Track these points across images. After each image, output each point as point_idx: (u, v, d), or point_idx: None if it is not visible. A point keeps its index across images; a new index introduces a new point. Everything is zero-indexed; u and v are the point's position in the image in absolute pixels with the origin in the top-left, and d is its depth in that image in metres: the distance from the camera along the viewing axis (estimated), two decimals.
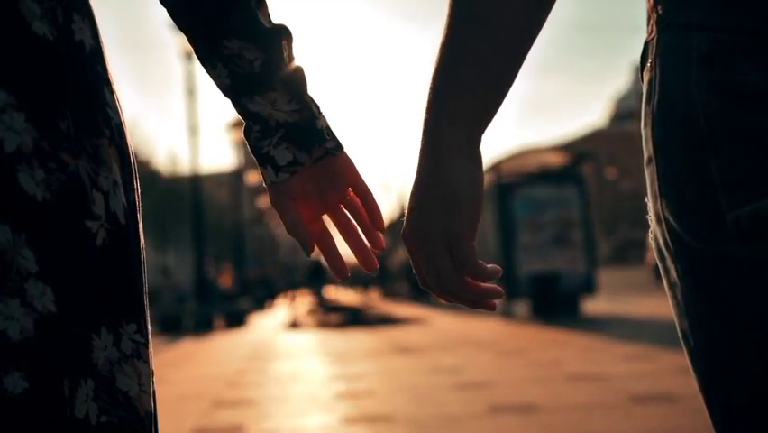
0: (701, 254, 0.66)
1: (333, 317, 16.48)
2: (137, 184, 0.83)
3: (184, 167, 33.57)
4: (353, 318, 15.60)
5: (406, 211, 0.76)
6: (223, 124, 29.60)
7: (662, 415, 4.47)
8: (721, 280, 0.64)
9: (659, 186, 0.68)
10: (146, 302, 0.82)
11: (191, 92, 19.22)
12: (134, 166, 0.82)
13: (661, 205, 0.68)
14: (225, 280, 24.10)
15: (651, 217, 0.72)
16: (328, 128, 0.87)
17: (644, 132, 0.70)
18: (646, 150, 0.70)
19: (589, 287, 13.22)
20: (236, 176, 32.12)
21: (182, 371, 8.56)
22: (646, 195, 0.71)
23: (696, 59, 0.65)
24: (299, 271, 39.22)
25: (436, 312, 17.14)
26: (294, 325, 15.77)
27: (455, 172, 0.72)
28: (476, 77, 0.71)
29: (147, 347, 0.80)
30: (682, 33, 0.66)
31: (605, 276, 18.50)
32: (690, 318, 0.69)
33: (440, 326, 13.15)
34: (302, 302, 22.57)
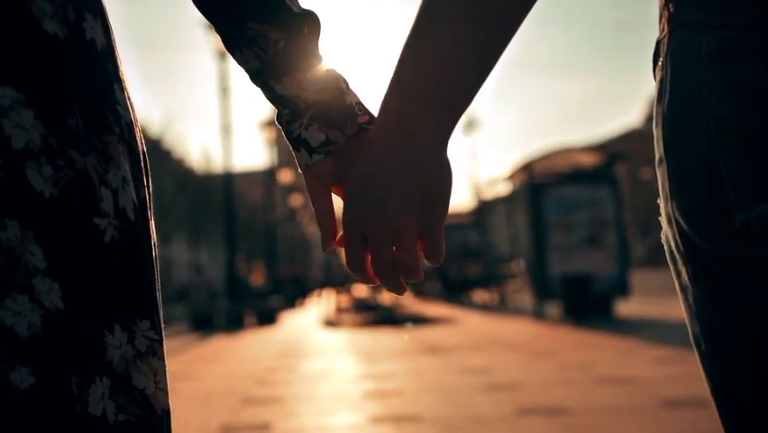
0: (711, 256, 0.64)
1: (364, 316, 16.49)
2: (148, 181, 0.83)
3: (217, 165, 33.88)
4: (384, 317, 15.61)
5: (353, 197, 0.74)
6: (256, 122, 29.77)
7: (692, 420, 4.40)
8: (731, 282, 0.63)
9: (669, 187, 0.67)
10: (159, 298, 0.82)
11: (224, 91, 19.39)
12: (144, 163, 0.82)
13: (671, 206, 0.67)
14: (257, 278, 24.27)
15: (662, 219, 0.70)
16: (359, 103, 0.84)
17: (656, 132, 0.69)
18: (657, 150, 0.68)
19: (622, 288, 13.08)
20: (269, 175, 32.33)
21: (212, 368, 8.63)
22: (658, 196, 0.70)
23: (706, 58, 0.63)
24: (335, 270, 39.27)
25: (467, 312, 17.09)
26: (325, 323, 15.83)
27: (435, 168, 0.72)
28: (468, 72, 0.70)
29: (161, 344, 0.80)
30: (693, 31, 0.64)
31: (639, 278, 18.28)
32: (701, 322, 0.67)
33: (470, 326, 13.10)
34: (333, 301, 22.64)
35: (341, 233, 0.81)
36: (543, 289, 13.13)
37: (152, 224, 0.83)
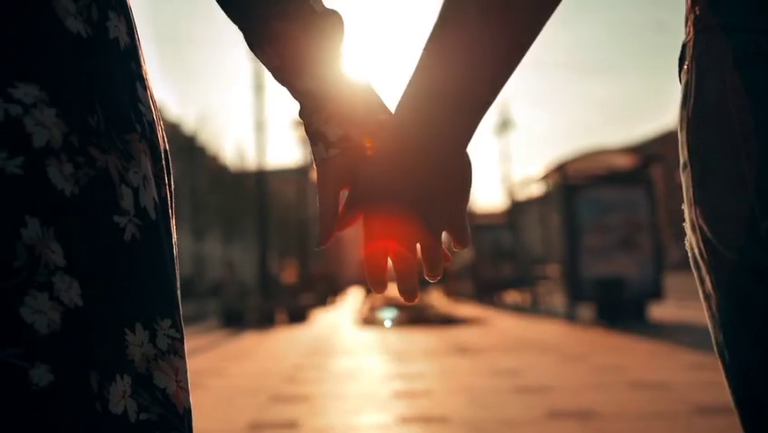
0: (735, 264, 0.62)
1: (395, 315, 16.48)
2: (170, 180, 0.83)
3: (251, 163, 34.13)
4: (415, 317, 15.59)
5: (378, 197, 0.74)
6: (290, 120, 29.92)
7: (725, 428, 4.32)
8: (755, 291, 0.61)
9: (693, 192, 0.65)
10: (179, 297, 0.82)
11: (259, 88, 19.52)
12: (166, 162, 0.83)
13: (695, 212, 0.65)
14: (289, 276, 24.38)
15: (686, 225, 0.68)
16: (380, 101, 0.84)
17: (680, 136, 0.67)
18: (682, 155, 0.67)
19: (656, 292, 12.91)
20: (302, 172, 32.47)
21: (242, 364, 8.69)
22: (682, 202, 0.68)
23: (731, 62, 0.61)
24: None
25: (498, 313, 17.00)
26: (355, 322, 15.85)
27: (461, 165, 0.72)
28: (493, 69, 0.69)
29: (182, 342, 0.80)
30: (719, 35, 0.63)
31: (673, 281, 18.03)
32: (725, 332, 0.65)
33: (501, 327, 13.03)
34: (365, 299, 22.67)
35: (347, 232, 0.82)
36: (575, 291, 13.01)
37: (173, 222, 0.84)
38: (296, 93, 0.86)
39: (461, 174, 0.72)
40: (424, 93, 0.71)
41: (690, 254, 0.69)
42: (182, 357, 0.79)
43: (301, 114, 0.86)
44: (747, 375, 0.64)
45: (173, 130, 36.01)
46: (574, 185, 13.42)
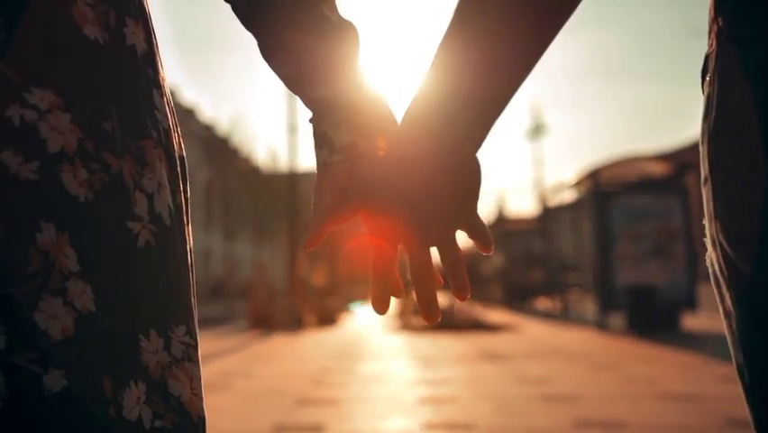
0: (755, 282, 0.60)
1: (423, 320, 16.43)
2: (185, 187, 0.83)
3: (283, 165, 34.30)
4: (444, 322, 15.54)
5: (391, 206, 0.73)
6: None
7: None
8: None
9: (713, 207, 0.63)
10: (194, 303, 0.81)
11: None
12: (182, 169, 0.83)
13: (715, 228, 0.63)
14: (318, 278, 24.45)
15: (707, 241, 0.67)
16: (390, 112, 0.84)
17: (702, 149, 0.65)
18: (703, 168, 0.65)
19: (689, 301, 12.73)
20: None
21: (269, 366, 8.73)
22: (704, 216, 0.67)
23: (753, 75, 0.59)
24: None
25: (528, 319, 16.88)
26: (384, 326, 15.84)
27: (473, 171, 0.71)
28: (507, 76, 0.68)
29: (197, 349, 0.80)
30: (741, 47, 0.61)
31: (708, 291, 17.69)
32: (744, 351, 0.63)
33: (531, 334, 12.94)
34: (394, 303, 22.63)
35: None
36: (607, 299, 12.88)
37: (189, 229, 0.84)
38: (308, 99, 0.86)
39: (470, 178, 0.71)
40: (434, 97, 0.70)
41: (710, 271, 0.68)
42: (196, 364, 0.79)
43: (311, 118, 0.86)
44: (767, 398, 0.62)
45: (207, 132, 36.33)
46: (607, 192, 13.29)
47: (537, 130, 33.14)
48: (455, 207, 0.71)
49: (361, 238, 0.81)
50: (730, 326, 0.65)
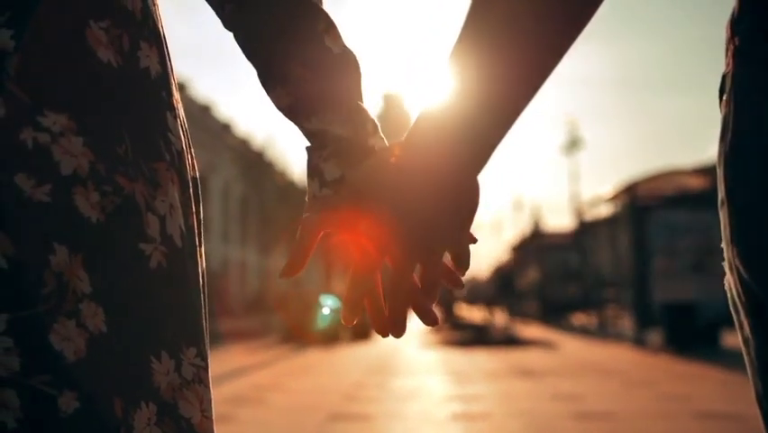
0: None
1: (458, 335, 16.35)
2: (198, 208, 0.84)
3: None
4: (478, 338, 15.44)
5: (392, 226, 0.71)
6: None
7: None
8: None
9: (730, 231, 0.61)
10: (205, 325, 0.82)
11: None
12: (194, 191, 0.83)
13: (732, 252, 0.62)
14: None
15: (725, 265, 0.65)
16: (383, 147, 0.84)
17: (718, 171, 0.63)
18: (720, 191, 0.63)
19: (730, 319, 12.37)
20: None
21: (303, 381, 8.73)
22: (721, 240, 0.65)
23: None
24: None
25: (564, 335, 16.70)
26: (418, 341, 15.78)
27: (474, 189, 0.70)
28: (514, 95, 0.66)
29: (207, 371, 0.80)
30: (758, 66, 0.59)
31: None
32: (764, 380, 0.61)
33: (567, 350, 12.78)
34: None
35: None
36: (644, 315, 12.69)
37: (202, 250, 0.84)
38: (303, 131, 0.86)
39: (469, 199, 0.70)
40: (436, 119, 0.69)
41: (728, 296, 0.66)
42: (207, 386, 0.79)
43: (306, 148, 0.86)
44: None
45: (242, 146, 36.70)
46: (645, 206, 13.12)
47: (573, 144, 32.87)
48: (450, 225, 0.70)
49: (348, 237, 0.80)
50: (749, 354, 0.63)
